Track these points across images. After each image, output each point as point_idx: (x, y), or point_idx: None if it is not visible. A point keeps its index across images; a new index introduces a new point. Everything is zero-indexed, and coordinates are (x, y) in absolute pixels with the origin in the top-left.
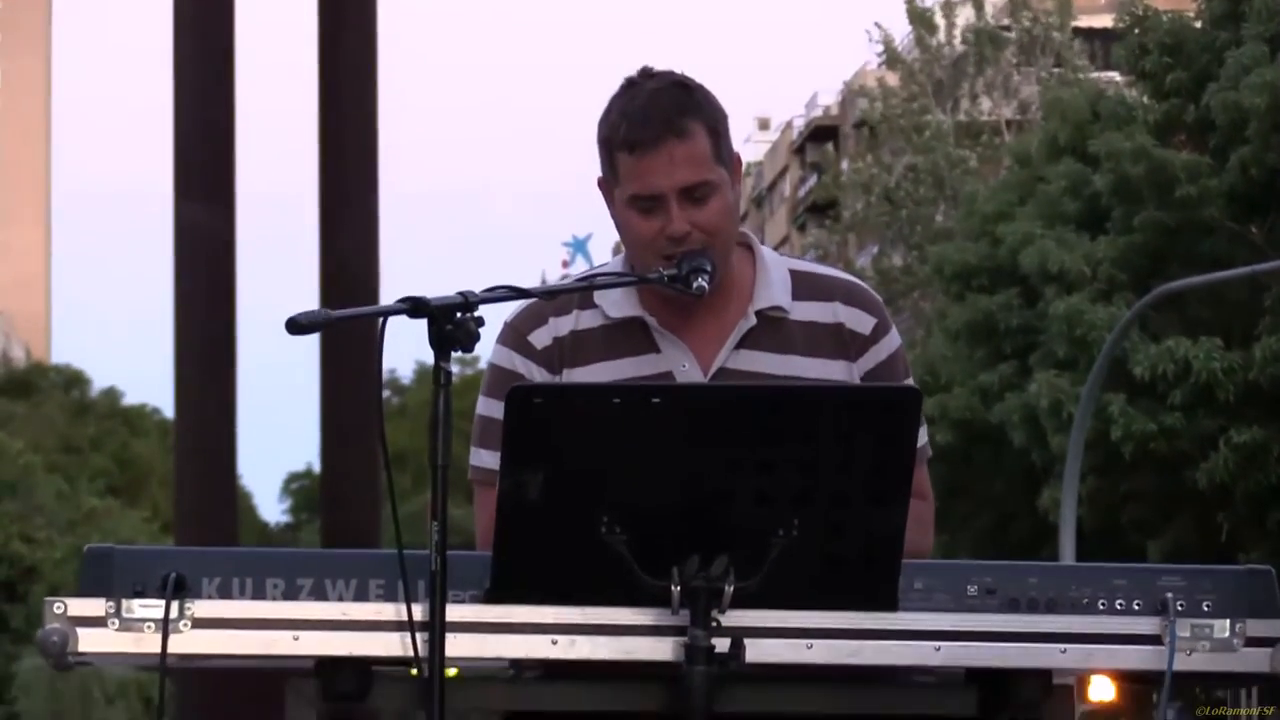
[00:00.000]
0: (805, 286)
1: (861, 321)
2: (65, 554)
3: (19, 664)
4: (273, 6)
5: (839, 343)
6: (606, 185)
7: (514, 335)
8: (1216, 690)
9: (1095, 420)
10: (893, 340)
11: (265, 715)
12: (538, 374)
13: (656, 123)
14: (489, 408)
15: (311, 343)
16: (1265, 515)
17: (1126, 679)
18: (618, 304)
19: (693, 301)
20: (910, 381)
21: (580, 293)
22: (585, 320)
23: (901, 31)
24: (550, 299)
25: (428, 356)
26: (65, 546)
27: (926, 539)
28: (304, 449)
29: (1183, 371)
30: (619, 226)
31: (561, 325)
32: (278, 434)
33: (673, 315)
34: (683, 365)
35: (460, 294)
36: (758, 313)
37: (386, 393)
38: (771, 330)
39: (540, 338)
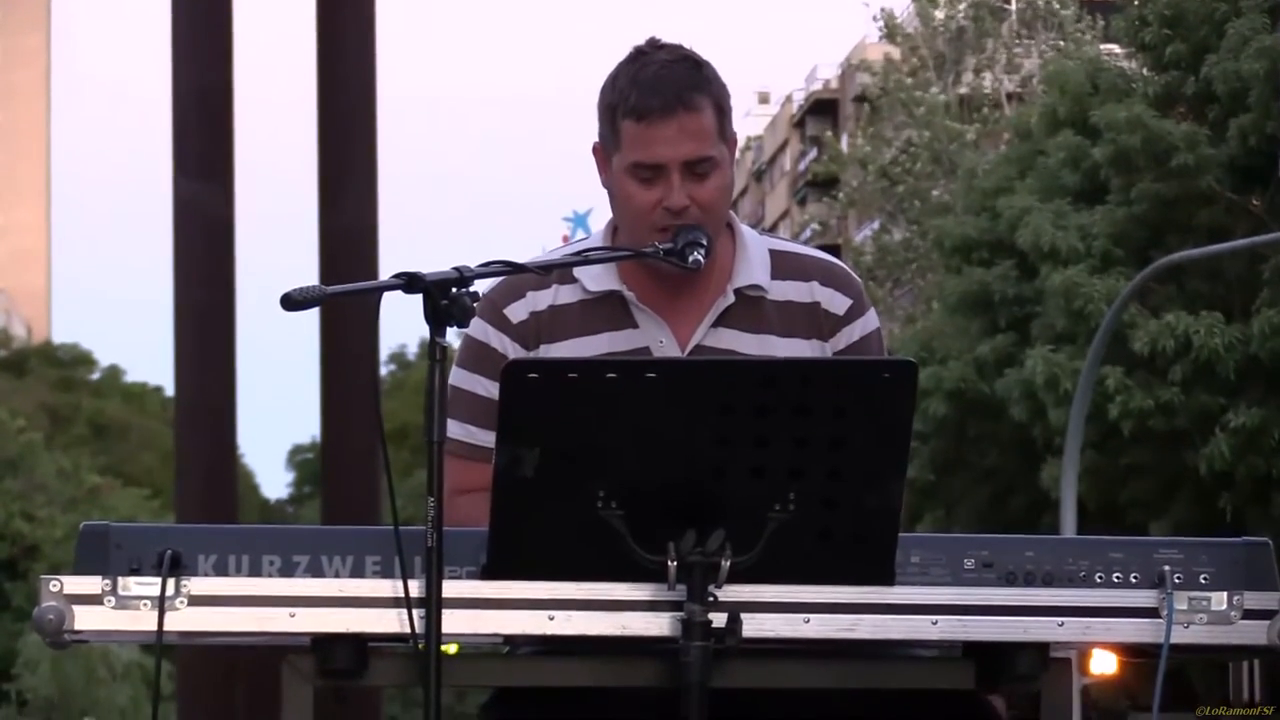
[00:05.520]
0: (784, 266)
1: (836, 301)
2: (66, 532)
3: (23, 642)
4: None
5: (813, 322)
6: (603, 152)
7: (490, 309)
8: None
9: (1094, 394)
10: (869, 322)
11: (262, 692)
12: (511, 349)
13: (668, 93)
14: (459, 378)
15: (312, 317)
16: (1269, 498)
17: (1126, 652)
18: (597, 278)
19: (674, 276)
20: None
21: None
22: (564, 295)
23: (902, 5)
24: (545, 274)
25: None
26: (66, 524)
27: None
28: (309, 422)
29: (1183, 347)
30: (613, 195)
31: (540, 300)
32: (284, 408)
33: (652, 290)
34: (660, 341)
35: (455, 269)
36: (736, 291)
37: (393, 367)
38: (748, 309)
39: (516, 312)
